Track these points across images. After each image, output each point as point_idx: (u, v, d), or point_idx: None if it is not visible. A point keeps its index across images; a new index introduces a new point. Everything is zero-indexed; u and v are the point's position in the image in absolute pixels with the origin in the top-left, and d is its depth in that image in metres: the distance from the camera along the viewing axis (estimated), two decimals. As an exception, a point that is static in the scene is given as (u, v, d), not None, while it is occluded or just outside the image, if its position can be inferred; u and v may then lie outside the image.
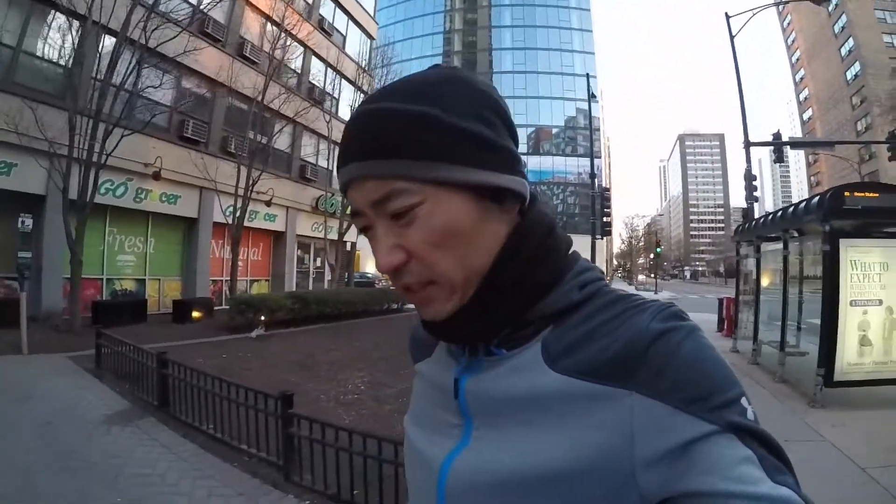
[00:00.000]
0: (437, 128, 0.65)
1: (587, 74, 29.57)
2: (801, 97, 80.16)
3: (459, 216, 0.66)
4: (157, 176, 15.59)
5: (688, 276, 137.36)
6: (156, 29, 13.15)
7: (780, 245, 9.41)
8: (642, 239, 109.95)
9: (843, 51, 64.34)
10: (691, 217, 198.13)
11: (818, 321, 7.59)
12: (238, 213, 17.57)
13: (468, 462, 0.70)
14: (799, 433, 6.04)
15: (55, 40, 13.69)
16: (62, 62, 13.76)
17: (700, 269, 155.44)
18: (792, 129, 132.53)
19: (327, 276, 25.50)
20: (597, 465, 0.60)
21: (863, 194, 7.52)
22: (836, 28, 63.87)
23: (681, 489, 0.56)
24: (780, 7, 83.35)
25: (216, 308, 17.26)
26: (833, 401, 7.04)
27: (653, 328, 0.62)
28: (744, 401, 0.60)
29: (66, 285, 13.59)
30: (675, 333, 0.62)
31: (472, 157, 0.66)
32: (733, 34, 20.22)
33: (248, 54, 19.91)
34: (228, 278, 19.23)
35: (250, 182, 17.45)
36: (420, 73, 0.73)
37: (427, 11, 78.41)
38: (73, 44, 13.01)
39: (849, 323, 7.21)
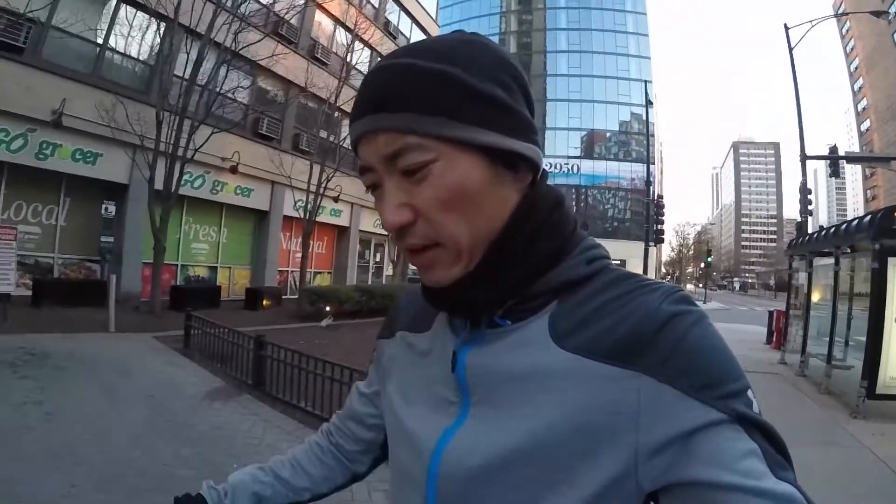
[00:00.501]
0: (454, 86, 0.65)
1: (644, 81, 29.90)
2: (860, 107, 78.37)
3: (471, 177, 0.66)
4: (234, 170, 16.29)
5: (737, 288, 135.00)
6: (240, 32, 13.93)
7: (831, 261, 9.75)
8: (692, 248, 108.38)
9: None
10: (743, 227, 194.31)
11: (864, 338, 7.88)
12: (310, 208, 18.19)
13: (465, 440, 0.70)
14: (840, 440, 6.44)
15: (142, 39, 14.70)
16: (148, 60, 14.82)
17: (750, 280, 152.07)
18: (849, 140, 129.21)
19: (386, 271, 26.40)
20: (599, 447, 0.61)
21: None
22: (896, 35, 62.21)
23: (684, 477, 0.56)
24: (840, 8, 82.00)
25: (283, 297, 18.09)
26: (874, 412, 7.38)
27: (664, 310, 0.62)
28: (750, 393, 0.60)
29: (144, 269, 14.48)
30: (686, 317, 0.62)
31: (489, 119, 0.66)
32: (792, 45, 20.23)
33: (319, 56, 20.69)
34: (294, 269, 20.29)
35: (323, 179, 18.11)
36: (442, 36, 0.74)
37: (483, 13, 78.98)
38: (160, 44, 14.00)
39: (893, 338, 7.54)
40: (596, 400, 0.62)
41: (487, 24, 78.22)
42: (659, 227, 27.83)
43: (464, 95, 0.65)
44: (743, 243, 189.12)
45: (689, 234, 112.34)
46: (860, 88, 76.82)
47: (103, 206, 13.28)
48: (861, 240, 8.37)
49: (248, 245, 19.69)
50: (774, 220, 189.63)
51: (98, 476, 4.22)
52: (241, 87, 15.71)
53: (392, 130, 0.65)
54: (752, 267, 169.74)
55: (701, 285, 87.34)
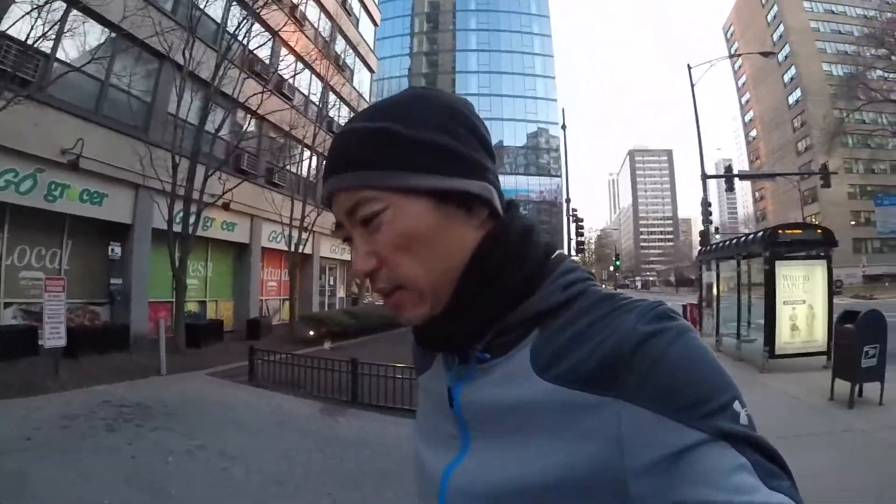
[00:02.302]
0: (395, 140, 0.70)
1: (562, 110, 32.83)
2: (747, 118, 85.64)
3: (420, 220, 0.70)
4: (227, 206, 16.43)
5: (639, 286, 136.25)
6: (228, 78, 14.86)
7: (733, 263, 13.05)
8: (594, 251, 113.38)
9: (787, 77, 69.99)
10: (641, 229, 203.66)
11: (761, 320, 11.13)
12: (295, 241, 19.35)
13: (465, 474, 0.72)
14: (756, 386, 9.45)
15: (155, 85, 15.04)
16: (153, 102, 14.97)
17: (651, 278, 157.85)
18: (737, 144, 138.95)
19: (338, 294, 27.87)
20: (589, 475, 0.61)
21: (791, 231, 11.35)
22: (781, 57, 69.01)
23: (674, 500, 0.55)
24: (729, 33, 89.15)
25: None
26: (775, 367, 10.52)
27: (639, 331, 0.62)
28: (736, 405, 0.59)
29: (149, 310, 14.81)
30: (663, 336, 0.61)
31: (432, 165, 0.70)
32: (693, 83, 23.83)
33: (285, 91, 21.24)
34: (267, 297, 21.48)
35: (306, 212, 19.28)
36: (395, 95, 0.78)
37: (396, 32, 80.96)
38: (178, 95, 14.01)
39: (783, 316, 10.80)
40: (580, 429, 0.62)
41: (400, 45, 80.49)
42: (580, 238, 30.57)
43: (404, 146, 0.70)
44: (642, 244, 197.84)
45: (591, 239, 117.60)
46: (747, 102, 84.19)
47: (110, 247, 13.69)
48: (756, 249, 11.66)
49: (230, 277, 20.01)
50: (670, 221, 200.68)
51: (344, 482, 5.35)
52: (241, 131, 17.13)
53: (347, 188, 0.72)
54: (651, 265, 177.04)
55: (605, 286, 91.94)
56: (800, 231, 11.60)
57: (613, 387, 0.61)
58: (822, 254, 11.37)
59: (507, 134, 74.03)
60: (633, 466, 0.59)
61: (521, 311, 0.72)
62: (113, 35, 12.84)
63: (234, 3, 15.66)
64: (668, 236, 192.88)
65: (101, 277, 13.87)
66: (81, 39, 11.74)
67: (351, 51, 29.09)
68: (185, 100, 13.87)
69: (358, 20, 30.64)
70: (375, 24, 34.11)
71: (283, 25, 18.20)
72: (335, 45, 26.26)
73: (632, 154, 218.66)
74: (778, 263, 10.92)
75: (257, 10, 15.65)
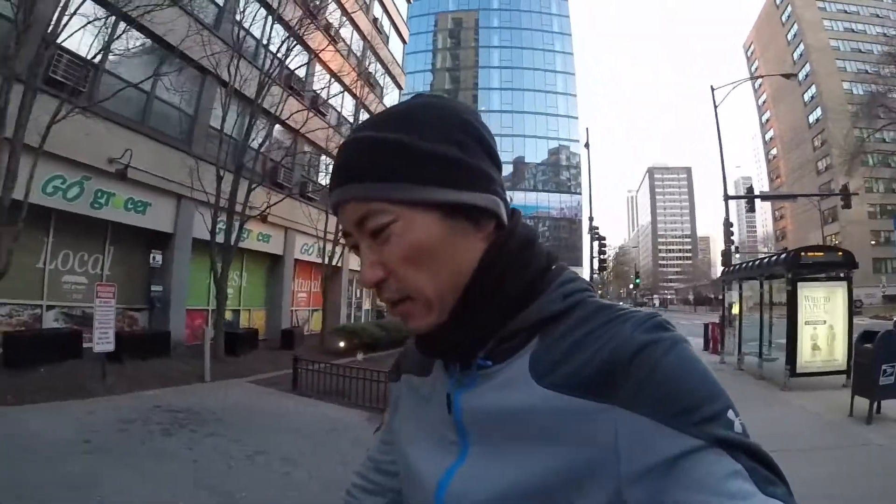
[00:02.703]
0: (405, 152, 0.70)
1: (587, 129, 33.19)
2: (767, 137, 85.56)
3: (429, 233, 0.70)
4: (264, 218, 16.77)
5: (657, 304, 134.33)
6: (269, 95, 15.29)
7: (756, 283, 13.46)
8: (613, 269, 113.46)
9: (807, 96, 69.94)
10: (660, 247, 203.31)
11: (781, 339, 11.60)
12: (329, 254, 19.60)
13: (464, 479, 0.72)
14: (778, 403, 9.87)
15: (199, 100, 15.56)
16: (195, 115, 15.46)
17: (669, 296, 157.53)
18: (757, 162, 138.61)
19: (364, 306, 28.31)
20: (586, 481, 0.62)
21: (813, 254, 11.75)
22: (801, 76, 68.87)
23: None
24: (749, 51, 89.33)
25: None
26: (796, 386, 10.89)
27: (635, 339, 0.63)
28: (730, 413, 0.60)
29: (187, 317, 15.32)
30: (658, 345, 0.63)
31: (441, 178, 0.71)
32: (716, 104, 24.17)
33: (320, 108, 21.69)
34: (296, 308, 21.98)
35: (337, 226, 18.96)
36: (402, 103, 0.79)
37: (419, 48, 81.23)
38: (223, 112, 14.41)
39: (804, 336, 11.21)
40: (578, 435, 0.63)
41: (424, 61, 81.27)
42: (602, 257, 30.94)
43: (413, 159, 0.70)
44: (660, 262, 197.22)
45: (609, 256, 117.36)
46: (767, 120, 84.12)
47: (151, 255, 13.93)
48: (778, 271, 12.11)
49: (262, 287, 20.42)
50: (689, 239, 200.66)
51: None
52: (282, 147, 17.79)
53: (357, 199, 0.72)
54: (670, 284, 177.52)
55: (622, 304, 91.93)
56: (821, 253, 12.04)
57: (610, 394, 0.62)
58: (843, 275, 11.79)
59: (529, 150, 74.58)
60: (630, 472, 0.60)
61: (523, 318, 0.73)
62: (158, 48, 13.57)
63: (276, 23, 16.15)
64: (686, 254, 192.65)
65: (140, 284, 14.22)
66: (131, 51, 12.14)
67: (382, 69, 29.54)
68: (223, 113, 14.40)
69: (388, 38, 31.20)
70: (404, 41, 34.59)
71: (324, 48, 18.75)
72: (367, 63, 26.77)
73: (651, 172, 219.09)
74: (800, 284, 11.34)
75: (299, 32, 16.32)
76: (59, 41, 9.46)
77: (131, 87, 11.91)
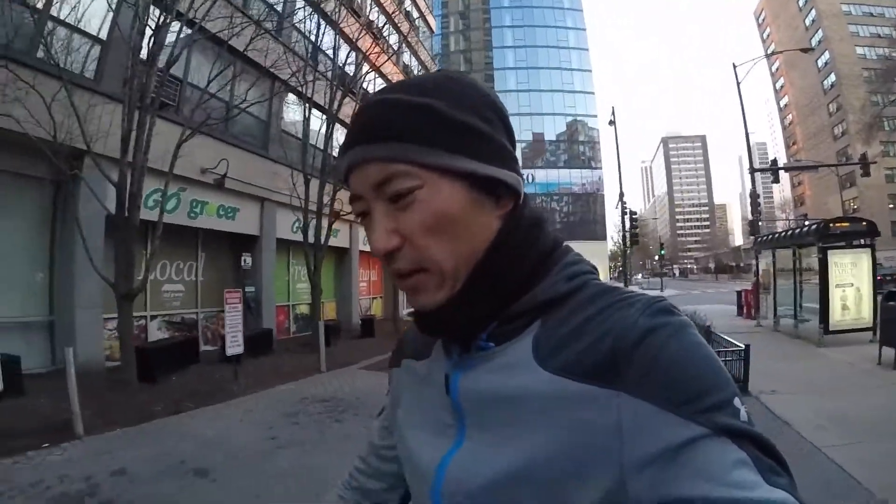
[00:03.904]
0: (439, 117, 0.68)
1: (612, 107, 34.08)
2: (782, 104, 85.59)
3: (455, 203, 0.68)
4: (337, 215, 16.46)
5: (677, 274, 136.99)
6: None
7: (789, 252, 14.99)
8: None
9: (820, 62, 69.48)
10: (677, 217, 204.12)
11: (811, 303, 13.24)
12: None
13: (464, 462, 0.71)
14: (815, 357, 11.42)
15: (280, 110, 16.71)
16: (261, 118, 16.11)
17: (689, 266, 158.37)
18: (772, 129, 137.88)
19: None
20: (588, 466, 0.61)
21: (840, 224, 13.34)
22: (814, 41, 68.69)
23: (673, 494, 0.54)
24: (760, 18, 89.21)
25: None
26: (829, 342, 12.43)
27: (640, 324, 0.62)
28: (736, 401, 0.59)
29: (276, 312, 16.26)
30: (664, 330, 0.62)
31: (471, 149, 0.69)
32: (739, 81, 24.87)
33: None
34: (360, 297, 22.87)
35: None
36: (427, 74, 0.79)
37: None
38: (269, 105, 15.65)
39: (834, 298, 12.77)
40: (580, 420, 0.62)
41: (437, 46, 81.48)
42: (634, 231, 32.19)
43: (447, 126, 0.68)
44: (678, 231, 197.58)
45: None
46: (781, 87, 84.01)
47: (242, 258, 14.56)
48: (809, 240, 13.64)
49: (331, 280, 20.90)
50: (706, 207, 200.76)
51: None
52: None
53: (381, 159, 0.68)
54: (689, 253, 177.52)
55: (640, 275, 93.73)
56: (847, 224, 13.55)
57: (615, 379, 0.61)
58: (867, 242, 13.28)
59: (548, 127, 74.94)
60: (632, 459, 0.58)
61: (526, 300, 0.72)
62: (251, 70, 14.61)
63: (339, 37, 17.36)
64: (704, 223, 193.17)
65: (229, 286, 14.06)
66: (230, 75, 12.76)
67: (418, 63, 30.77)
68: (304, 121, 15.92)
69: (421, 32, 32.49)
70: (432, 31, 35.66)
71: (375, 52, 19.69)
72: (404, 58, 27.92)
73: (665, 141, 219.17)
74: (829, 252, 12.84)
75: (356, 42, 17.63)
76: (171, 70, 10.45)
77: (239, 109, 13.09)
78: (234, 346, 10.27)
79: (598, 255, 65.16)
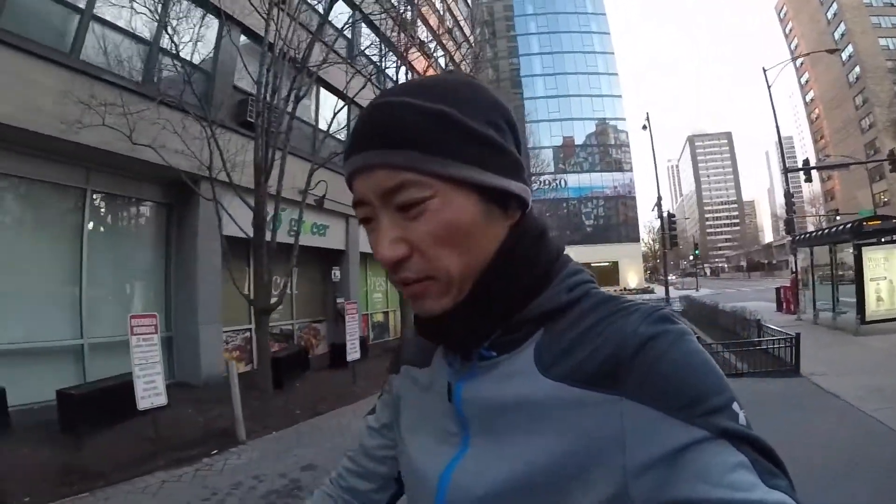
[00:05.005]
0: (452, 126, 0.66)
1: (647, 113, 34.99)
2: (808, 98, 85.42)
3: (467, 215, 0.67)
4: None
5: (708, 273, 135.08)
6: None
7: (825, 249, 16.19)
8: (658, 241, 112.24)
9: (844, 55, 68.84)
10: (706, 215, 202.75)
11: (847, 297, 14.48)
12: None
13: (468, 470, 0.71)
14: (853, 344, 12.68)
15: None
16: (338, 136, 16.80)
17: (720, 264, 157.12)
18: (797, 124, 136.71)
19: None
20: (591, 472, 0.61)
21: (873, 223, 14.60)
22: (836, 35, 69.37)
23: (673, 497, 0.55)
24: (782, 13, 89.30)
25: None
26: (865, 332, 13.60)
27: (641, 332, 0.63)
28: (735, 406, 0.60)
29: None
30: (664, 338, 0.62)
31: (484, 160, 0.68)
32: (770, 84, 25.73)
33: None
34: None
35: None
36: (437, 76, 0.76)
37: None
38: (347, 123, 15.50)
39: (869, 291, 13.98)
40: (583, 426, 0.63)
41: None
42: (672, 233, 32.80)
43: (462, 136, 0.67)
44: (708, 230, 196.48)
45: (656, 228, 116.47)
46: (806, 82, 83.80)
47: (332, 271, 15.39)
48: (845, 237, 14.88)
49: (395, 291, 19.92)
50: (735, 205, 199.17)
51: None
52: None
53: (392, 167, 0.66)
54: (720, 252, 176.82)
55: (672, 276, 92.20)
56: (880, 222, 14.80)
57: (616, 385, 0.62)
58: (898, 238, 14.50)
59: (577, 132, 75.15)
60: (634, 463, 0.59)
61: (529, 310, 0.72)
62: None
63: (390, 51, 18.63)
64: (734, 220, 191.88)
65: (320, 298, 15.82)
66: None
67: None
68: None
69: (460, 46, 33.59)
70: (470, 45, 36.89)
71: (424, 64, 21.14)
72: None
73: (691, 140, 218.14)
74: (864, 249, 14.03)
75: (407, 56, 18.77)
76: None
77: (333, 138, 14.36)
78: (353, 352, 11.07)
79: (632, 256, 65.80)
